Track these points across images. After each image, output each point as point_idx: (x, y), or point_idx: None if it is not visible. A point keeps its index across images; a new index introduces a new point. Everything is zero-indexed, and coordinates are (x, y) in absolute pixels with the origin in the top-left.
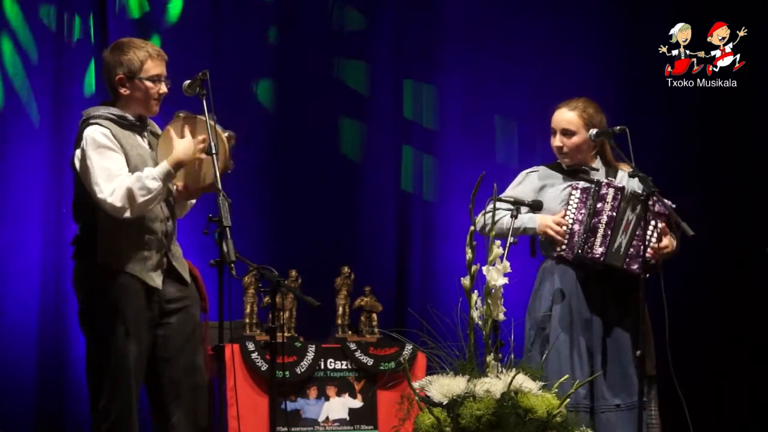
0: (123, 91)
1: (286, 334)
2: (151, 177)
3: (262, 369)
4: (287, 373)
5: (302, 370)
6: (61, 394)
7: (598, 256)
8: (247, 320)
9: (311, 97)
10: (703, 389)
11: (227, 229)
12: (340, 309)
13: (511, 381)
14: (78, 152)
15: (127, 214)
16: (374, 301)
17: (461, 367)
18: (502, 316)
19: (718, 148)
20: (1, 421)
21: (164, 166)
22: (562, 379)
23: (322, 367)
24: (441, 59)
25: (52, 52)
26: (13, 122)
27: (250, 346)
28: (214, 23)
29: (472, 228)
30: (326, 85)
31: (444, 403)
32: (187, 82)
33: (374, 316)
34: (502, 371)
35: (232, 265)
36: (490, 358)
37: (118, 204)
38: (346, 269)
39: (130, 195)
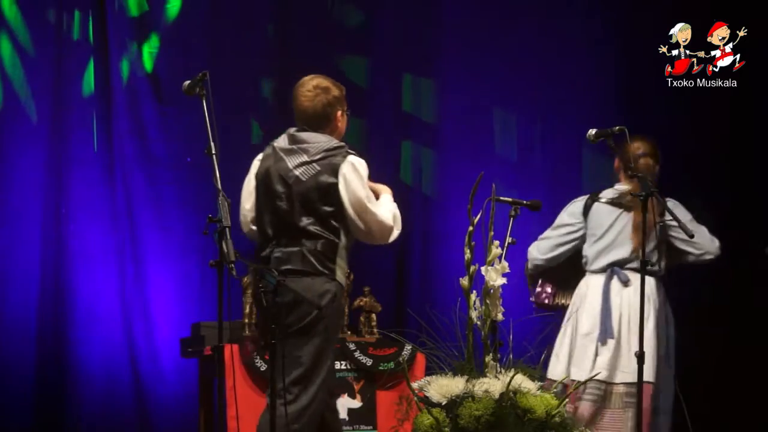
0: (339, 124)
1: None
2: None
3: (261, 369)
4: None
5: None
6: (60, 394)
7: None
8: (247, 320)
9: None
10: (703, 390)
11: (227, 229)
12: None
13: (510, 381)
14: (342, 179)
15: (392, 239)
16: (373, 301)
17: (460, 367)
18: (500, 317)
19: (718, 148)
20: (0, 420)
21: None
22: (562, 378)
23: None
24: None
25: (51, 52)
26: (12, 122)
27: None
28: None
29: (470, 228)
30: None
31: (443, 404)
32: (187, 82)
33: (373, 316)
34: (500, 371)
35: (232, 265)
36: (488, 358)
37: (397, 231)
38: None
39: (399, 223)
